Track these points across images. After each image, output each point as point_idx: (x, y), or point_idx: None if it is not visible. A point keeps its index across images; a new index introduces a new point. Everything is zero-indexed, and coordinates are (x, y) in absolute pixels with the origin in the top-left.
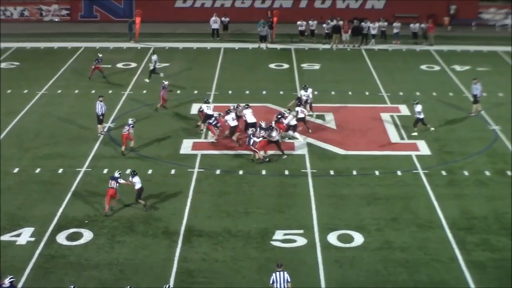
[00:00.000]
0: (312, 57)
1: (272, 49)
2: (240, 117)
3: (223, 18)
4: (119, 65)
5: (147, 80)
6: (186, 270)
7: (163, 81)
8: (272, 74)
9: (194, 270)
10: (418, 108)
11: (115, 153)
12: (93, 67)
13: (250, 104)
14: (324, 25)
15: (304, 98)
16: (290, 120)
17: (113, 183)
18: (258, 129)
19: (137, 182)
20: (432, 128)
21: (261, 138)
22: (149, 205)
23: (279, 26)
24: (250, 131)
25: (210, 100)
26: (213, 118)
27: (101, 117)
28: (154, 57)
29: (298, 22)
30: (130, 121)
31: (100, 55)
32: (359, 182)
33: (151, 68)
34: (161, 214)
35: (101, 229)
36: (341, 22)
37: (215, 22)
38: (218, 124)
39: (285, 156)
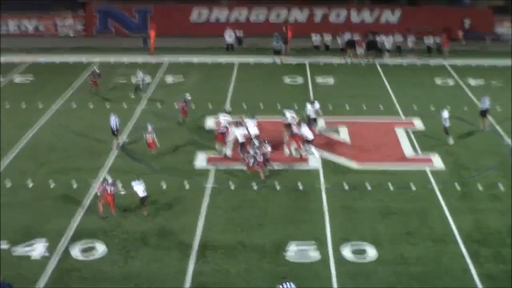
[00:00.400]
0: (326, 71)
1: (286, 63)
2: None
3: (237, 32)
4: (134, 80)
5: (143, 95)
6: (199, 283)
7: (186, 94)
8: (286, 88)
9: (207, 283)
10: (445, 115)
11: (130, 166)
12: (91, 81)
13: (265, 119)
14: (339, 40)
15: (310, 112)
16: (305, 132)
17: (111, 189)
18: (261, 144)
19: (139, 191)
20: (452, 141)
21: (262, 156)
22: (163, 218)
23: (293, 40)
24: (251, 151)
25: (227, 113)
26: (223, 129)
27: (116, 132)
28: (139, 74)
29: (313, 36)
30: (149, 127)
31: (98, 71)
32: (373, 196)
33: (139, 83)
34: (175, 228)
35: (115, 243)
36: (355, 37)
37: (229, 37)
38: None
39: (274, 168)
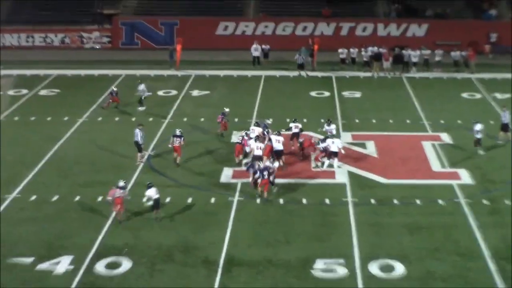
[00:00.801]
0: (353, 85)
1: (313, 77)
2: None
3: (263, 46)
4: (160, 93)
5: (141, 108)
6: None
7: (225, 108)
8: (313, 102)
9: None
10: (478, 127)
11: (155, 180)
12: (110, 100)
13: (288, 133)
14: (363, 53)
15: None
16: (330, 145)
17: (121, 192)
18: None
19: (152, 194)
20: (482, 152)
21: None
22: (188, 233)
23: (320, 54)
24: (256, 166)
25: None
26: (240, 138)
27: (141, 146)
28: (141, 87)
29: (339, 50)
30: (178, 132)
31: (115, 89)
32: (401, 211)
33: (141, 95)
34: (200, 243)
35: (140, 258)
36: (382, 50)
37: (256, 50)
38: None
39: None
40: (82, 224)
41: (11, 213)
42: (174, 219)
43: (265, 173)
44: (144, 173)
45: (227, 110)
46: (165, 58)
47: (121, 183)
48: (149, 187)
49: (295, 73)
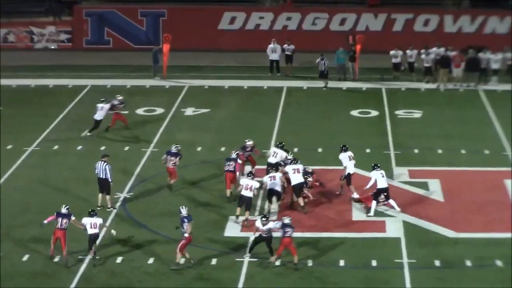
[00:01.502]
0: (410, 101)
1: (354, 89)
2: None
3: (285, 46)
4: (140, 111)
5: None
6: None
7: (246, 141)
8: (355, 124)
9: None
10: None
11: (134, 234)
12: (114, 114)
13: (325, 168)
14: (424, 56)
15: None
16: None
17: (63, 222)
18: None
19: (91, 225)
20: None
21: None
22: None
23: (364, 57)
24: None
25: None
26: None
27: (111, 183)
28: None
29: (392, 52)
30: (174, 148)
31: (120, 97)
32: (475, 276)
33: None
34: None
35: None
36: (450, 53)
37: (273, 51)
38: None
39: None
40: None
41: None
42: (161, 287)
43: (288, 229)
44: (117, 223)
45: (249, 142)
46: (147, 62)
47: (63, 209)
48: (92, 215)
49: (330, 84)
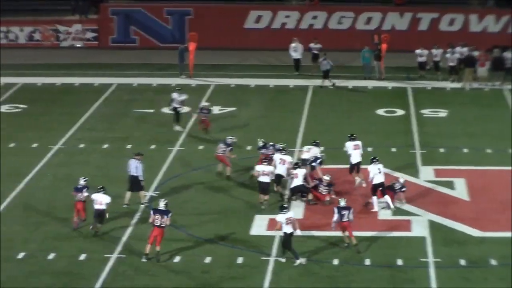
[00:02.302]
0: (436, 100)
1: (380, 88)
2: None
3: (312, 45)
4: (166, 110)
5: (178, 128)
6: None
7: (280, 146)
8: (380, 123)
9: None
10: None
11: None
12: (201, 119)
13: (348, 167)
14: (449, 55)
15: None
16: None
17: (79, 195)
18: None
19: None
20: None
21: None
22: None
23: (389, 56)
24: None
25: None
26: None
27: (142, 183)
28: (176, 95)
29: (417, 51)
30: (229, 140)
31: (207, 104)
32: (501, 275)
33: (178, 109)
34: None
35: None
36: (475, 52)
37: (295, 51)
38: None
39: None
40: None
41: None
42: (187, 286)
43: (345, 212)
44: (143, 223)
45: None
46: (173, 60)
47: (82, 181)
48: (99, 191)
49: (355, 82)
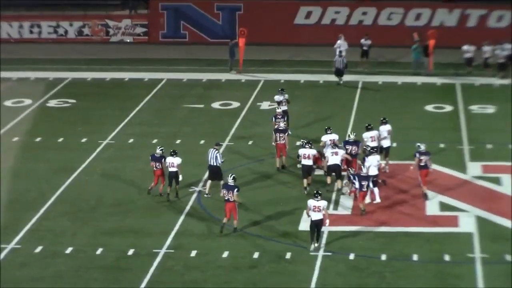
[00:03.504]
0: (484, 96)
1: (428, 84)
2: None
3: (363, 40)
4: (215, 105)
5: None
6: None
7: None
8: (429, 119)
9: None
10: None
11: (206, 227)
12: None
13: (396, 162)
14: (498, 51)
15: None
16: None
17: (157, 164)
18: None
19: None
20: None
21: None
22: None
23: (438, 52)
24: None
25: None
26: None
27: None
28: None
29: (464, 47)
30: (282, 125)
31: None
32: None
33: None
34: None
35: None
36: None
37: (339, 47)
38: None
39: None
40: (108, 287)
41: (9, 270)
42: (234, 282)
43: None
44: (191, 217)
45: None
46: (223, 56)
47: (158, 150)
48: (173, 154)
49: (404, 78)
